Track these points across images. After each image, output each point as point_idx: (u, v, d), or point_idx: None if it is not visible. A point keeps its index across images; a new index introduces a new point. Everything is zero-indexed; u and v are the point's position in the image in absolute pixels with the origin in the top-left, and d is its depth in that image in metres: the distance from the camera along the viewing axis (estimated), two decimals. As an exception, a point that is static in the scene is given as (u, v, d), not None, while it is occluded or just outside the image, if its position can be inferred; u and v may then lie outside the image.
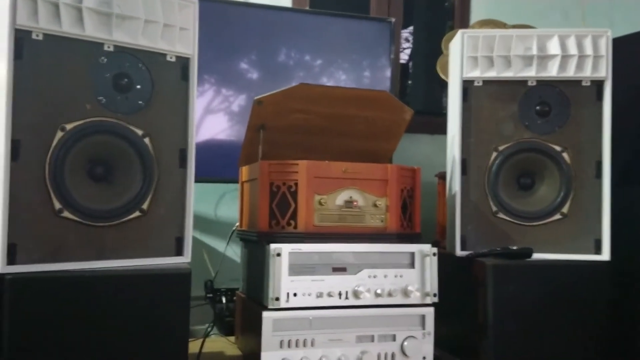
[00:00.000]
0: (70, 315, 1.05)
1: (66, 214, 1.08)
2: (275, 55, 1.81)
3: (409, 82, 2.51)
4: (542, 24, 2.02)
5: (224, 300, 1.65)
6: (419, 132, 2.16)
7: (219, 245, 1.87)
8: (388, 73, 1.91)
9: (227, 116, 1.76)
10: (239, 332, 1.46)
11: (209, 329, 1.49)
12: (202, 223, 1.88)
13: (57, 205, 1.07)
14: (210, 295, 1.65)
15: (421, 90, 2.50)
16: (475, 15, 2.26)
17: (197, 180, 1.67)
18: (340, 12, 1.91)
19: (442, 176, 1.67)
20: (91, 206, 1.11)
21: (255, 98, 1.35)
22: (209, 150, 1.74)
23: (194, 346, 1.35)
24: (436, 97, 2.41)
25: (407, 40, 2.51)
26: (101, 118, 1.12)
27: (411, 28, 2.48)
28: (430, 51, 2.20)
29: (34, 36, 1.05)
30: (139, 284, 1.11)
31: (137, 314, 1.10)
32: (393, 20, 1.95)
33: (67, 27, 1.08)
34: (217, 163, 1.71)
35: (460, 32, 1.46)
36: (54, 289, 1.05)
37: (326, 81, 1.85)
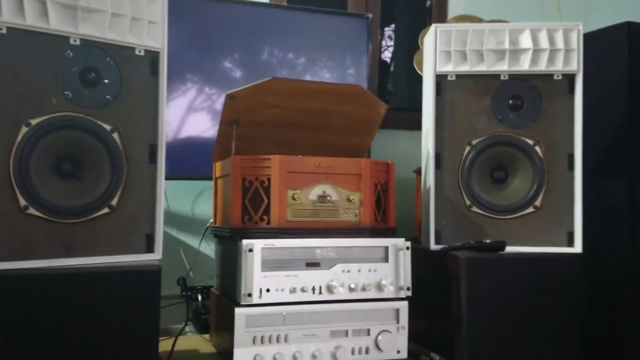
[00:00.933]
0: (38, 313, 1.03)
1: (32, 210, 1.06)
2: (259, 53, 1.81)
3: (391, 79, 2.52)
4: (519, 20, 2.03)
5: (199, 298, 1.64)
6: (399, 128, 2.16)
7: (196, 242, 1.86)
8: (367, 71, 1.91)
9: (210, 115, 1.76)
10: (214, 329, 1.45)
11: (183, 327, 1.48)
12: (179, 220, 1.87)
13: (23, 202, 1.05)
14: (187, 293, 1.64)
15: (403, 88, 2.51)
16: (453, 12, 2.27)
17: (175, 178, 1.68)
18: (317, 7, 1.90)
19: (420, 172, 1.67)
20: (58, 203, 1.09)
21: (228, 92, 1.34)
22: (190, 147, 1.73)
23: (167, 344, 1.34)
24: (418, 94, 2.42)
25: (390, 38, 2.51)
26: (68, 113, 1.10)
27: (394, 25, 2.49)
28: (412, 48, 2.21)
29: (-3, 29, 1.04)
30: (108, 282, 1.09)
31: (106, 311, 1.08)
32: (370, 16, 1.95)
33: (32, 20, 1.06)
34: (198, 160, 1.71)
35: (433, 26, 1.46)
36: (21, 287, 1.03)
37: (310, 79, 1.84)
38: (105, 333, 1.08)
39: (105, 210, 1.14)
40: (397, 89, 2.50)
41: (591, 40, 1.53)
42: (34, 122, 1.07)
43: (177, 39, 1.69)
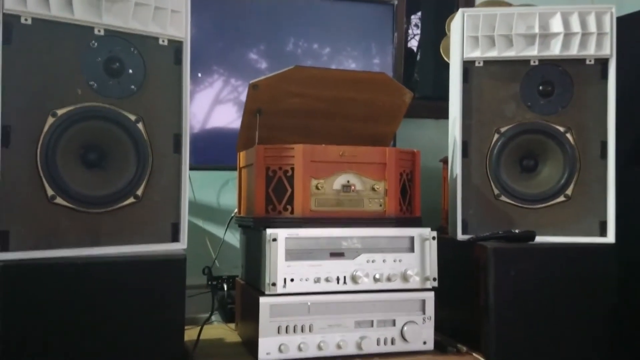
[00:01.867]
0: (65, 302, 1.05)
1: (59, 200, 1.07)
2: (284, 44, 1.80)
3: (417, 68, 2.48)
4: (548, 3, 1.97)
5: (225, 287, 1.65)
6: (425, 116, 2.13)
7: (221, 232, 1.86)
8: (392, 59, 1.89)
9: (236, 106, 1.76)
10: (239, 318, 1.45)
11: (209, 316, 1.48)
12: (205, 210, 1.88)
13: (50, 191, 1.07)
14: (213, 282, 1.65)
15: (430, 76, 2.47)
16: (481, -3, 2.22)
17: (200, 168, 1.69)
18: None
19: (447, 161, 1.65)
20: (84, 192, 1.10)
21: (251, 82, 1.34)
22: (216, 138, 1.74)
23: (194, 333, 1.35)
24: (444, 82, 2.39)
25: (417, 26, 2.47)
26: (93, 103, 1.11)
27: (420, 13, 2.45)
28: (438, 36, 2.17)
29: (22, 20, 1.05)
30: (134, 271, 1.10)
31: (132, 300, 1.09)
32: (395, 2, 1.92)
33: (56, 10, 1.07)
34: (224, 151, 1.71)
35: (460, 11, 1.42)
36: (48, 275, 1.04)
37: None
38: (131, 321, 1.09)
39: (131, 199, 1.15)
40: (423, 77, 2.47)
41: (624, 23, 1.48)
42: (60, 112, 1.08)
43: (202, 30, 1.69)
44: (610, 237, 1.37)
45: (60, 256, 1.06)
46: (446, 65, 1.59)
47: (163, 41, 1.18)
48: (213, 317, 1.57)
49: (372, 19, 1.89)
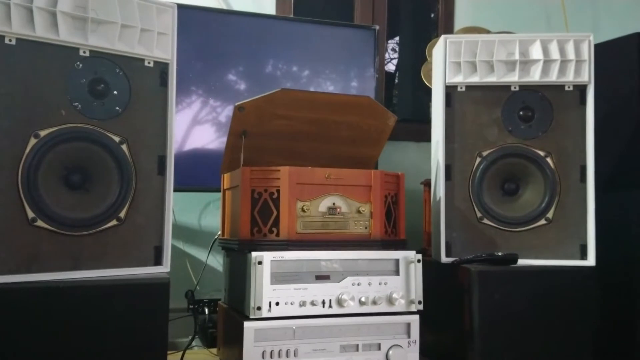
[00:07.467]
0: (45, 327, 1.02)
1: (40, 223, 1.05)
2: (263, 66, 1.80)
3: (396, 91, 2.51)
4: (526, 31, 2.03)
5: (206, 311, 1.62)
6: (405, 139, 2.15)
7: (203, 255, 1.84)
8: (375, 82, 1.91)
9: (215, 127, 1.75)
10: (221, 343, 1.43)
11: (191, 341, 1.46)
12: (186, 233, 1.85)
13: (31, 214, 1.04)
14: (194, 306, 1.62)
15: (408, 99, 2.51)
16: (460, 24, 2.26)
17: (182, 190, 1.67)
18: (323, 19, 1.90)
19: (427, 183, 1.66)
20: (66, 215, 1.08)
21: (237, 104, 1.33)
22: (195, 159, 1.72)
23: (174, 359, 1.32)
24: (423, 105, 2.42)
25: (394, 50, 2.51)
26: (77, 124, 1.10)
27: (397, 38, 2.49)
28: (417, 60, 2.21)
29: (6, 41, 1.03)
30: (116, 295, 1.08)
31: (114, 325, 1.07)
32: (377, 27, 1.95)
33: (41, 31, 1.06)
34: (203, 172, 1.70)
35: (442, 37, 1.45)
36: (29, 300, 1.01)
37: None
38: (113, 347, 1.06)
39: (114, 222, 1.13)
40: (402, 100, 2.50)
41: (601, 50, 1.52)
42: (42, 133, 1.06)
43: (182, 51, 1.68)
44: (591, 260, 1.39)
45: (41, 280, 1.04)
46: (424, 89, 1.61)
47: (149, 63, 1.18)
48: (193, 342, 1.54)
49: (351, 42, 1.91)
